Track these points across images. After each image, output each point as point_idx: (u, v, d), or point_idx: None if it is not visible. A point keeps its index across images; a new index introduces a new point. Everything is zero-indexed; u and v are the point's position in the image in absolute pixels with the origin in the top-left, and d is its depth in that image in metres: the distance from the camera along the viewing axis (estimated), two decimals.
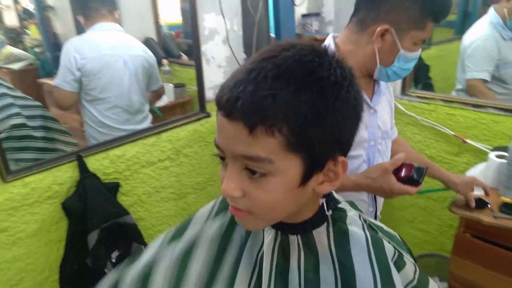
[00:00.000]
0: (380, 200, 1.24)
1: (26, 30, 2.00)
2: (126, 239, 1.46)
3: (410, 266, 0.62)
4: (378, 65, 1.02)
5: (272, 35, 2.11)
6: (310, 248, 0.58)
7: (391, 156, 1.18)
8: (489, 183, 1.44)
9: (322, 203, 0.59)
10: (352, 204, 0.67)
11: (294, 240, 0.59)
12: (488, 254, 1.34)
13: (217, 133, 0.51)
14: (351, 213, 0.62)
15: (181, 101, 2.20)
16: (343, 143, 0.52)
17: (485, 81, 1.88)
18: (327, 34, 2.16)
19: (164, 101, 2.12)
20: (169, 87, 2.14)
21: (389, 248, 0.59)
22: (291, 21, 2.06)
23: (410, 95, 1.94)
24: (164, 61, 2.25)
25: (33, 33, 2.03)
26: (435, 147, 1.91)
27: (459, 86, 2.04)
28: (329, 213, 0.59)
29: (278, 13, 1.99)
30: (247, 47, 1.98)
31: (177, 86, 2.20)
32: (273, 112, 0.45)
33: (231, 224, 0.66)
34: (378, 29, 0.96)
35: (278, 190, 0.49)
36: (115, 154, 1.52)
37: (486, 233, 1.34)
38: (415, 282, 0.62)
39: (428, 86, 2.33)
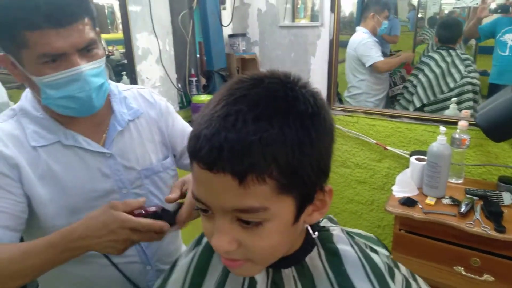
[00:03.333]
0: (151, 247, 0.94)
1: None
2: None
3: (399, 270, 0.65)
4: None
5: (198, 55, 2.13)
6: (305, 277, 0.57)
7: None
8: (415, 183, 1.63)
9: (306, 227, 0.59)
10: (331, 220, 0.69)
11: (289, 274, 0.58)
12: (422, 246, 1.51)
13: (197, 186, 0.48)
14: (335, 231, 0.62)
15: None
16: (327, 171, 0.51)
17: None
18: (254, 54, 2.27)
19: None
20: None
21: (378, 261, 0.60)
22: (220, 41, 2.11)
23: (335, 109, 2.11)
24: None
25: None
26: (360, 155, 2.10)
27: (351, 89, 2.32)
28: (315, 235, 0.59)
29: (208, 33, 2.02)
30: (179, 67, 1.96)
31: None
32: (262, 157, 0.42)
33: (204, 255, 0.65)
34: None
35: (274, 234, 0.48)
36: None
37: (417, 228, 1.51)
38: (402, 277, 0.66)
39: (339, 101, 2.58)
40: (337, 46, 2.03)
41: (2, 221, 0.72)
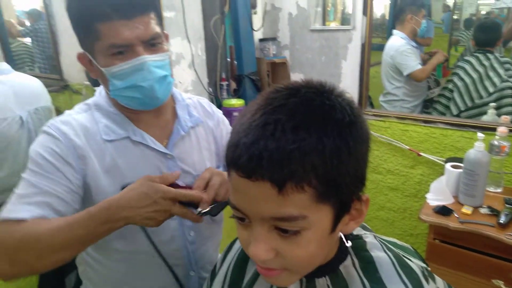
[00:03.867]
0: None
1: None
2: None
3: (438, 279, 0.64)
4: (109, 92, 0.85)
5: (228, 59, 2.15)
6: (340, 286, 0.57)
7: None
8: (451, 192, 1.58)
9: (340, 236, 0.58)
10: (364, 227, 0.68)
11: (323, 284, 0.57)
12: (458, 257, 1.45)
13: (234, 194, 0.48)
14: (369, 239, 0.61)
15: None
16: (364, 179, 0.51)
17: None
18: (284, 58, 2.27)
19: None
20: None
21: (414, 267, 0.59)
22: (251, 45, 2.12)
23: (366, 114, 2.07)
24: None
25: None
26: (392, 161, 2.05)
27: (387, 95, 2.26)
28: (349, 244, 0.59)
29: (239, 38, 2.04)
30: (210, 71, 1.99)
31: None
32: (301, 165, 0.43)
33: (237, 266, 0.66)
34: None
35: (312, 243, 0.48)
36: None
37: (453, 238, 1.46)
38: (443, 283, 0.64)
39: (369, 105, 2.53)
40: (369, 50, 2.00)
41: (55, 205, 0.75)
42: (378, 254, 0.58)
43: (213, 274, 0.72)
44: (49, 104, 1.37)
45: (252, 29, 2.12)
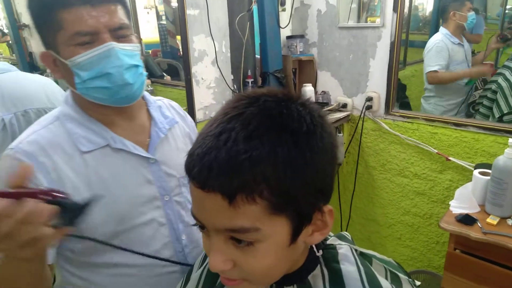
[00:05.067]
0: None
1: None
2: None
3: None
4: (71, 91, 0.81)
5: (257, 56, 2.15)
6: None
7: None
8: (477, 200, 1.48)
9: (311, 245, 0.57)
10: (341, 237, 0.65)
11: None
12: (479, 270, 1.37)
13: (193, 204, 0.48)
14: (342, 250, 0.59)
15: None
16: (326, 191, 0.49)
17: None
18: (312, 55, 2.24)
19: None
20: None
21: (385, 285, 0.56)
22: (277, 43, 2.11)
23: (393, 115, 1.99)
24: (147, 81, 2.24)
25: (5, 52, 1.97)
26: (420, 165, 1.96)
27: (426, 91, 2.22)
28: (319, 253, 0.57)
29: (265, 35, 2.03)
30: (235, 68, 2.00)
31: None
32: (251, 176, 0.42)
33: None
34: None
35: (269, 255, 0.47)
36: None
37: (475, 249, 1.38)
38: None
39: (405, 104, 2.43)
40: (399, 48, 1.92)
41: None
42: (348, 268, 0.56)
43: (189, 273, 0.72)
44: (49, 106, 1.30)
45: (279, 26, 2.10)
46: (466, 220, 1.40)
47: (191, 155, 0.46)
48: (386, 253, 2.23)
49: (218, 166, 0.42)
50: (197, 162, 0.44)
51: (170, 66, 2.28)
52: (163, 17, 2.21)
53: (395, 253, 2.20)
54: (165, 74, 2.36)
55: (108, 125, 0.82)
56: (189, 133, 0.96)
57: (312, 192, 0.46)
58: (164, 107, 0.94)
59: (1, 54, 1.97)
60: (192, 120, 1.01)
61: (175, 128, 0.93)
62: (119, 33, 0.75)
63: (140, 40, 0.85)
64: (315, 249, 0.57)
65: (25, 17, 0.79)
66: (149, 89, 2.18)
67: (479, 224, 1.38)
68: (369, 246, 2.32)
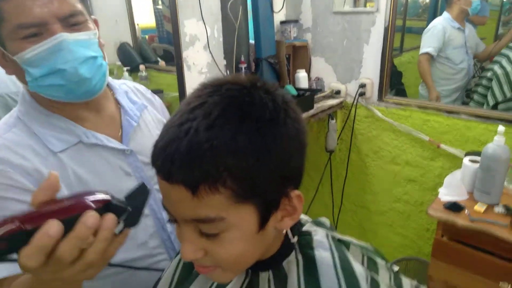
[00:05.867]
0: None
1: None
2: None
3: (384, 277, 0.60)
4: (23, 88, 0.75)
5: (252, 41, 2.12)
6: (280, 281, 0.56)
7: None
8: (466, 188, 1.49)
9: (286, 231, 0.57)
10: (318, 223, 0.64)
11: (265, 277, 0.57)
12: (465, 257, 1.38)
13: (162, 196, 0.47)
14: (318, 236, 0.59)
15: None
16: (293, 177, 0.49)
17: (431, 56, 2.13)
18: (305, 41, 2.21)
19: None
20: None
21: (359, 271, 0.56)
22: (270, 28, 2.08)
23: (387, 102, 1.98)
24: (141, 67, 2.22)
25: None
26: (411, 152, 1.96)
27: None
28: (294, 239, 0.57)
29: (258, 20, 2.00)
30: (228, 53, 1.98)
31: (155, 92, 2.15)
32: (213, 166, 0.41)
33: None
34: None
35: (237, 243, 0.47)
36: None
37: (463, 236, 1.38)
38: None
39: (401, 92, 2.42)
40: (393, 34, 1.89)
41: None
42: (322, 254, 0.56)
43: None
44: (13, 90, 1.18)
45: (272, 11, 2.07)
46: (454, 207, 1.41)
47: (155, 147, 0.45)
48: (377, 240, 2.24)
49: (179, 157, 0.42)
50: (160, 154, 0.44)
51: (166, 51, 2.26)
52: (159, 1, 2.18)
53: (387, 240, 2.21)
54: (159, 60, 2.34)
55: (75, 119, 0.75)
56: (161, 119, 0.93)
57: (278, 179, 0.46)
58: (130, 92, 0.90)
59: None
60: (161, 101, 0.97)
61: (145, 113, 0.89)
62: (71, 21, 0.68)
63: (97, 24, 0.77)
64: (290, 235, 0.57)
65: None
66: (143, 74, 2.17)
67: (466, 212, 1.38)
68: (361, 233, 2.33)
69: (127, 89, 0.90)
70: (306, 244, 0.58)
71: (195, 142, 0.41)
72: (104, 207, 0.44)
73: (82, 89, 0.71)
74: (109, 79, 0.84)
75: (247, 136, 0.42)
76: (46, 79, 0.68)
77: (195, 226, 0.46)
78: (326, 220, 0.66)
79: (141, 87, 0.95)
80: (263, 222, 0.48)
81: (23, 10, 0.63)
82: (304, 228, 0.61)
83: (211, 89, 0.46)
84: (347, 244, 0.62)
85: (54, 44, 0.66)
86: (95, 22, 0.76)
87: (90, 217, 0.42)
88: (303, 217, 0.64)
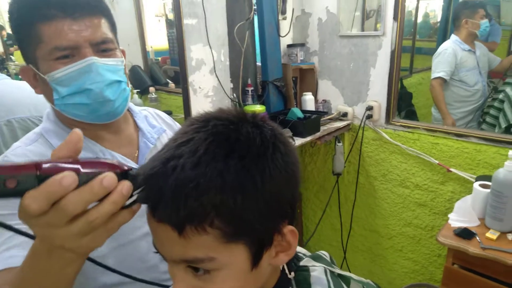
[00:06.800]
0: None
1: (11, 56, 1.98)
2: None
3: None
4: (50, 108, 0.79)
5: (259, 63, 2.14)
6: None
7: None
8: (477, 214, 1.44)
9: (283, 266, 0.55)
10: (317, 258, 0.63)
11: None
12: (477, 287, 1.33)
13: (151, 234, 0.46)
14: (315, 272, 0.57)
15: None
16: (284, 212, 0.48)
17: (444, 80, 2.12)
18: (312, 64, 2.22)
19: None
20: None
21: None
22: (277, 51, 2.10)
23: (394, 124, 1.96)
24: (151, 89, 2.25)
25: (17, 59, 2.00)
26: (421, 176, 1.92)
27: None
28: (291, 275, 0.55)
29: (264, 44, 2.02)
30: (234, 77, 2.00)
31: None
32: (200, 205, 0.40)
33: None
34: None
35: (230, 282, 0.45)
36: None
37: (474, 264, 1.34)
38: None
39: (411, 113, 2.39)
40: (399, 57, 1.89)
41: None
42: None
43: None
44: (34, 114, 1.27)
45: (279, 35, 2.09)
46: (465, 234, 1.37)
47: (143, 177, 0.44)
48: (387, 265, 2.19)
49: (165, 197, 0.41)
50: (146, 188, 0.43)
51: (177, 73, 2.29)
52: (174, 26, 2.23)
53: (396, 265, 2.15)
54: (169, 82, 2.37)
55: (95, 139, 0.79)
56: None
57: (268, 216, 0.44)
58: (150, 116, 0.93)
59: (15, 61, 1.99)
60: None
61: (163, 137, 0.91)
62: (102, 47, 0.73)
63: (124, 54, 0.82)
64: (286, 270, 0.56)
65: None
66: (153, 96, 2.20)
67: (478, 239, 1.34)
68: (370, 258, 2.27)
69: (148, 114, 0.93)
70: (303, 280, 0.56)
71: (181, 181, 0.40)
72: (123, 174, 0.42)
73: (105, 109, 0.75)
74: (131, 105, 0.88)
75: (233, 174, 0.41)
76: (72, 97, 0.72)
77: (184, 265, 0.45)
78: (325, 254, 0.64)
79: (163, 114, 0.98)
80: (256, 260, 0.46)
81: (61, 34, 0.68)
82: (302, 263, 0.59)
83: (198, 125, 0.45)
84: (347, 280, 0.60)
85: (84, 66, 0.70)
86: (123, 52, 0.81)
87: (107, 177, 0.39)
88: (301, 250, 0.62)
